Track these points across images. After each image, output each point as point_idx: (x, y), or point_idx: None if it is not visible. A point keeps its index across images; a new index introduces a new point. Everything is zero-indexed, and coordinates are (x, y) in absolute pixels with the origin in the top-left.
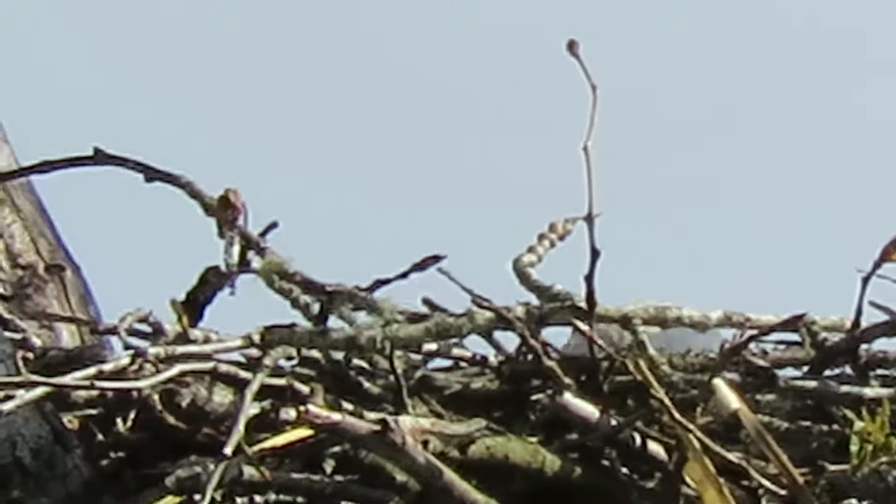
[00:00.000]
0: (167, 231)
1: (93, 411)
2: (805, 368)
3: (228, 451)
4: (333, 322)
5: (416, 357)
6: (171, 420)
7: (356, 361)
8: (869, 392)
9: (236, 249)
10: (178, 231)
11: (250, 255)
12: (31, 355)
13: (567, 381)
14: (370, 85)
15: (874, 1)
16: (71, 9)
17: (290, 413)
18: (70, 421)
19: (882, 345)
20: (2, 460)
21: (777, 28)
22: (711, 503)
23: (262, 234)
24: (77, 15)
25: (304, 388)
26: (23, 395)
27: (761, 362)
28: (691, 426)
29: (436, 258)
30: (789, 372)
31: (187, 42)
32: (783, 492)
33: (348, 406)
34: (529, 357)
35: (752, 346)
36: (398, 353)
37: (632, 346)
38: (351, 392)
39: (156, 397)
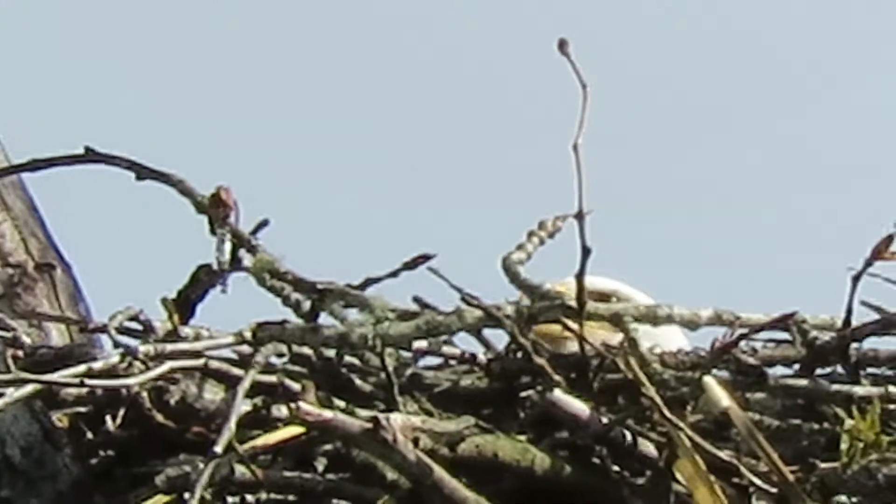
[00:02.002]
0: (158, 229)
1: (82, 409)
2: (796, 367)
3: (219, 449)
4: (324, 319)
5: (406, 354)
6: (161, 418)
7: (347, 359)
8: (859, 390)
9: (228, 247)
10: (170, 229)
11: (242, 252)
12: (20, 353)
13: (557, 378)
14: (361, 84)
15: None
16: (63, 7)
17: (281, 410)
18: (60, 419)
19: (873, 343)
20: None
21: (777, 27)
22: (702, 501)
23: (254, 232)
24: (69, 13)
25: (296, 386)
26: (12, 393)
27: (752, 360)
28: (682, 424)
29: (426, 257)
30: (780, 370)
31: (181, 41)
32: (774, 489)
33: (340, 403)
34: (519, 354)
35: (742, 344)
36: (389, 350)
37: (622, 343)
38: (342, 389)
39: (145, 395)
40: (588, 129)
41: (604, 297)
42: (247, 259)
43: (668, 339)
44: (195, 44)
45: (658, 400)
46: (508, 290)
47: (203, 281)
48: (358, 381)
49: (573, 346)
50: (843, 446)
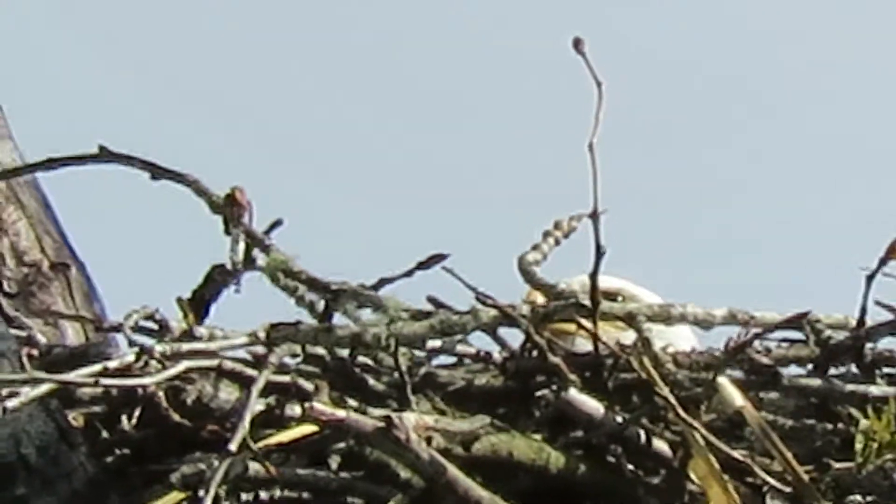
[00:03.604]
0: (173, 229)
1: (98, 408)
2: (809, 366)
3: (233, 447)
4: (338, 319)
5: (420, 354)
6: (177, 417)
7: (361, 358)
8: (874, 390)
9: (242, 247)
10: (184, 229)
11: (256, 252)
12: (36, 352)
13: (572, 377)
14: (374, 84)
15: None
16: (76, 5)
17: (295, 409)
18: (75, 418)
19: (887, 343)
20: (7, 457)
21: (777, 30)
22: (716, 500)
23: (268, 232)
24: (82, 11)
25: (309, 385)
26: (28, 392)
27: (765, 360)
28: (696, 423)
29: (440, 256)
30: (793, 370)
31: (194, 40)
32: (788, 489)
33: (353, 403)
34: (534, 353)
35: (756, 343)
36: (402, 350)
37: (636, 343)
38: (355, 389)
39: (161, 394)
40: (604, 128)
41: (609, 295)
42: (261, 259)
43: (678, 338)
44: (209, 44)
45: (672, 399)
46: (524, 289)
47: (217, 281)
48: (371, 381)
49: (579, 341)
50: (858, 446)
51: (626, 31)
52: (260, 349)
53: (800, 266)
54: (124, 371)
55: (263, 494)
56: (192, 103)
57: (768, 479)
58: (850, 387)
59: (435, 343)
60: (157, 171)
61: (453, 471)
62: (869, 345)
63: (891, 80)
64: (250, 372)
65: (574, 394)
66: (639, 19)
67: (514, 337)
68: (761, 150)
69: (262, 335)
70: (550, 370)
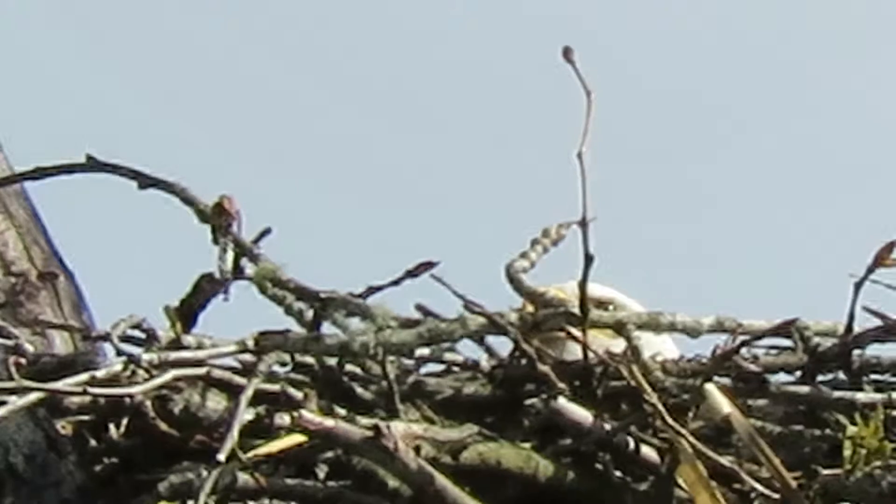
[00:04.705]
0: (161, 238)
1: (86, 417)
2: (797, 374)
3: (222, 456)
4: (327, 328)
5: (408, 362)
6: (164, 426)
7: (349, 367)
8: (862, 397)
9: (230, 256)
10: (172, 238)
11: (244, 261)
12: (24, 361)
13: (561, 385)
14: (364, 92)
15: None
16: (66, 14)
17: (283, 419)
18: (63, 427)
19: (875, 350)
20: None
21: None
22: None
23: (256, 241)
24: (72, 21)
25: (298, 394)
26: (16, 401)
27: (753, 367)
28: (683, 431)
29: (429, 264)
30: (781, 377)
31: (183, 49)
32: (776, 495)
33: (341, 412)
34: (523, 362)
35: (743, 351)
36: (391, 358)
37: (625, 351)
38: (344, 398)
39: (149, 403)
40: (592, 137)
41: (601, 304)
42: (249, 268)
43: (661, 346)
44: (196, 51)
45: (660, 407)
46: (512, 297)
47: (205, 290)
48: (359, 390)
49: (571, 346)
50: (847, 453)
51: (617, 49)
52: (248, 358)
53: (789, 273)
54: (112, 380)
55: None
56: (181, 110)
57: (756, 485)
58: (837, 393)
59: (423, 351)
60: (144, 180)
61: (441, 480)
62: (857, 351)
63: (875, 94)
64: (239, 381)
65: (563, 402)
66: (626, 39)
67: (502, 345)
68: (753, 156)
69: (250, 344)
70: (539, 378)
